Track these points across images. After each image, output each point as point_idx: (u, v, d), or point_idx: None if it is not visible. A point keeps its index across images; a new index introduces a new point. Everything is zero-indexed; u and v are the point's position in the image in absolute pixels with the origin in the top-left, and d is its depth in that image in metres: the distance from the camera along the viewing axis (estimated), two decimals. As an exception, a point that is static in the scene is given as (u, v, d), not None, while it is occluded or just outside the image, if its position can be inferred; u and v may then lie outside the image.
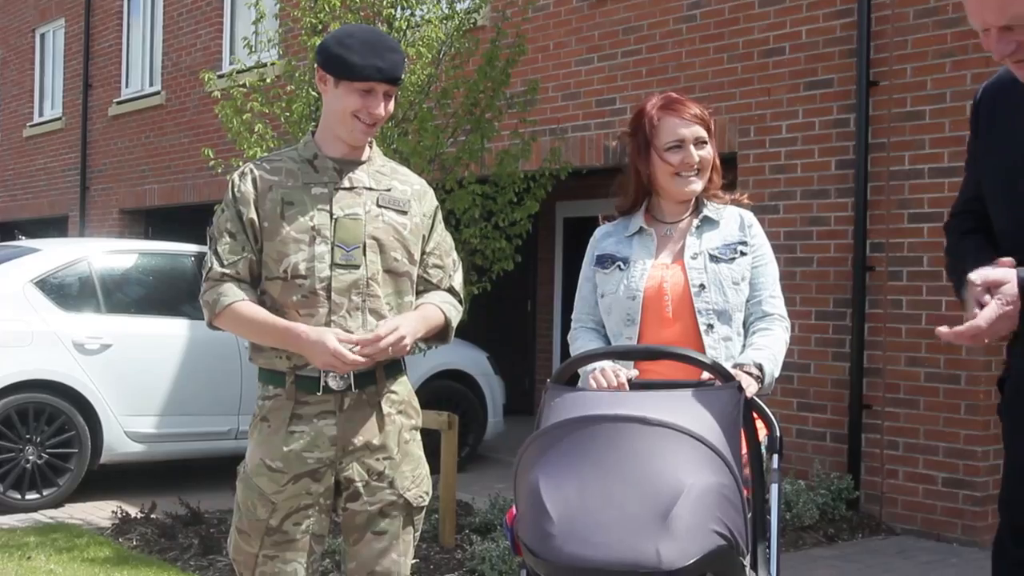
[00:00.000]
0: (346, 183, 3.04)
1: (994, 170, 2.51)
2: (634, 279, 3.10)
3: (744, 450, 2.66)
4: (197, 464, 8.26)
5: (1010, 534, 2.54)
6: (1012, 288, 2.25)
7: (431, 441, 6.29)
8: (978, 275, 2.29)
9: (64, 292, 7.73)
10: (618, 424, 2.40)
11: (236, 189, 3.04)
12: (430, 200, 3.21)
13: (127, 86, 15.44)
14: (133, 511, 6.59)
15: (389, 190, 3.09)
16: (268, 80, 7.15)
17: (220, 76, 7.91)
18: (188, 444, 7.88)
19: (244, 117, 6.84)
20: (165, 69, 14.48)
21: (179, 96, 14.04)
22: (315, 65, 3.08)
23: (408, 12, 6.72)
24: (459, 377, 8.89)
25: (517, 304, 11.94)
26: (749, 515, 2.59)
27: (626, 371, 2.91)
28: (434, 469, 6.03)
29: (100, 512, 7.04)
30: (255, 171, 3.05)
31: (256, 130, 6.83)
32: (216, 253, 3.01)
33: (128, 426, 7.55)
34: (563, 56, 9.10)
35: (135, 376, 7.59)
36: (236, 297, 2.97)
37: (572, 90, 9.00)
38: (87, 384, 7.42)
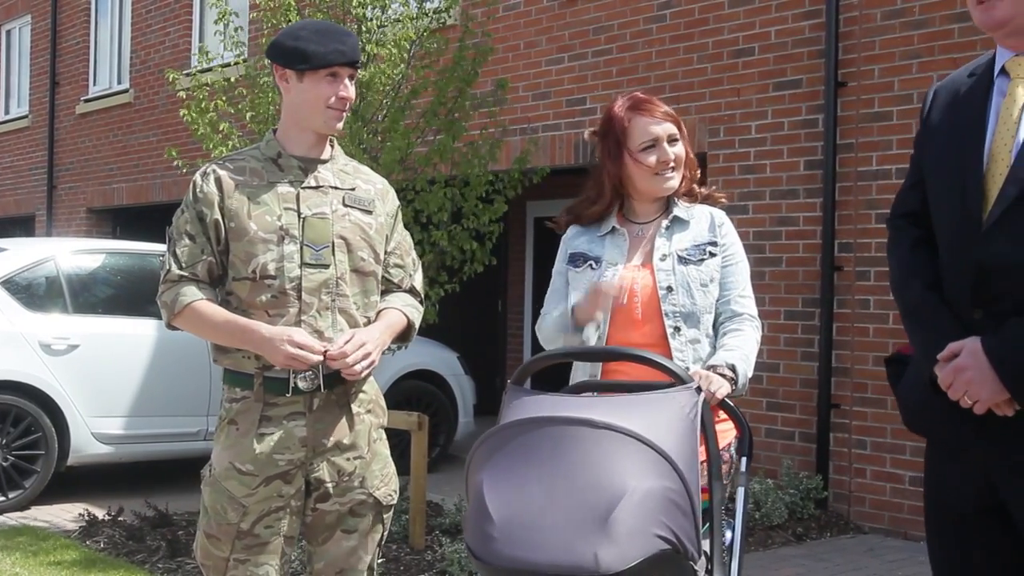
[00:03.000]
0: (312, 181, 3.04)
1: (944, 166, 2.55)
2: (604, 280, 3.08)
3: (703, 454, 2.65)
4: (165, 465, 8.21)
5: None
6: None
7: (401, 442, 6.30)
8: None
9: (30, 292, 7.66)
10: (564, 427, 2.38)
11: (198, 190, 3.01)
12: (392, 200, 3.22)
13: (95, 84, 15.32)
14: (100, 513, 6.53)
15: (354, 189, 3.09)
16: (232, 80, 7.12)
17: (187, 74, 7.85)
18: (156, 445, 7.82)
19: (208, 118, 6.80)
20: (133, 67, 14.38)
21: (147, 94, 13.95)
22: (274, 66, 3.08)
23: (378, 12, 6.70)
24: (429, 377, 8.87)
25: (488, 304, 11.93)
26: (708, 522, 2.59)
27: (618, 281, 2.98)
28: (404, 470, 6.05)
29: (67, 514, 6.98)
30: (218, 171, 3.02)
31: (221, 129, 6.79)
32: (175, 255, 2.99)
33: (95, 427, 7.49)
34: (534, 55, 9.11)
35: (103, 377, 7.53)
36: (195, 296, 2.96)
37: (543, 89, 9.01)
38: (54, 385, 7.35)
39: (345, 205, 3.05)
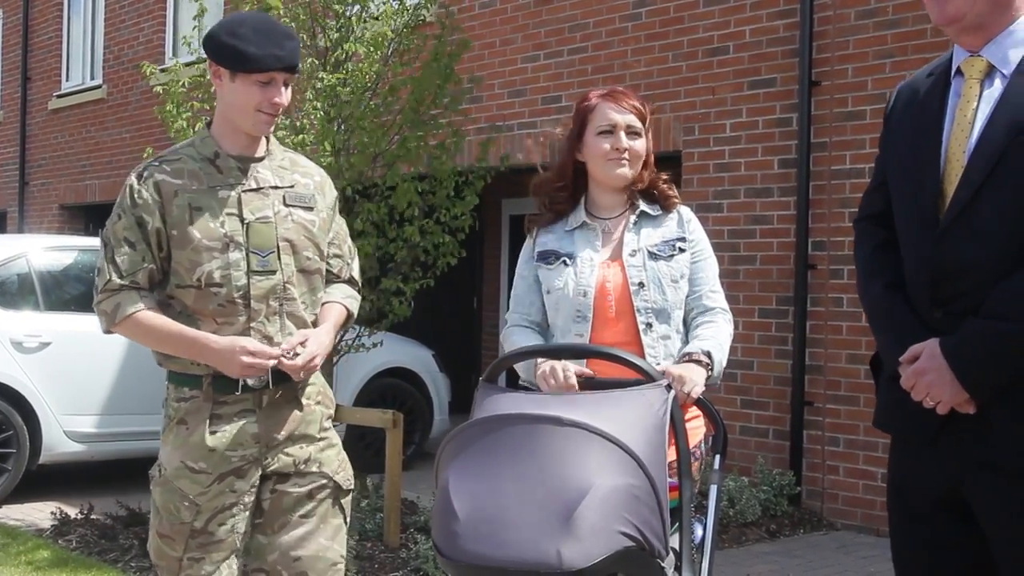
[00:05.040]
0: (252, 183, 2.98)
1: (904, 168, 2.59)
2: (584, 275, 3.05)
3: (674, 453, 2.63)
4: (138, 464, 8.14)
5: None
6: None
7: (376, 439, 6.29)
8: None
9: (2, 289, 7.60)
10: (530, 424, 2.38)
11: (136, 195, 2.92)
12: (330, 191, 3.19)
13: (67, 79, 15.20)
14: (73, 512, 6.49)
15: (293, 186, 3.05)
16: (207, 77, 7.06)
17: (163, 70, 7.80)
18: (129, 443, 7.76)
19: (185, 116, 6.74)
20: (106, 62, 14.28)
21: (120, 90, 13.86)
22: (208, 60, 2.98)
23: (358, 8, 6.67)
24: (404, 375, 8.85)
25: (463, 301, 11.93)
26: (678, 520, 2.58)
27: (577, 368, 2.87)
28: (379, 468, 6.03)
29: (39, 513, 6.93)
30: (156, 175, 2.93)
31: (197, 128, 6.73)
32: (114, 262, 2.90)
33: (68, 425, 7.44)
34: (509, 53, 9.10)
35: (75, 374, 7.47)
36: (137, 307, 2.90)
37: (518, 87, 9.01)
38: (25, 383, 7.29)
39: (286, 205, 3.00)
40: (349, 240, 3.25)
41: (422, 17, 6.95)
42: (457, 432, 2.48)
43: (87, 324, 7.68)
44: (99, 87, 14.28)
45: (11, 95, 16.24)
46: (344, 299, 3.18)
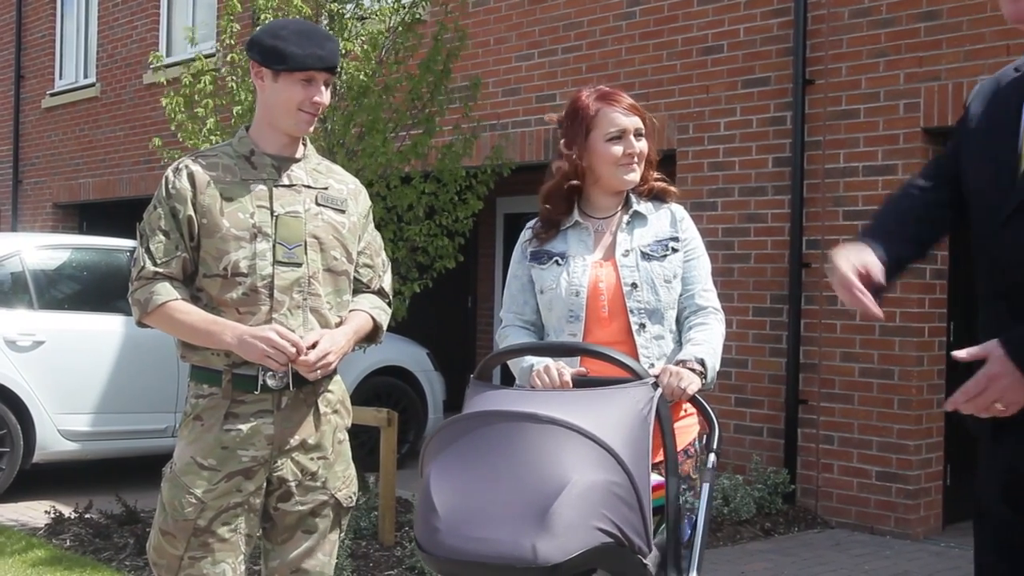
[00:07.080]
0: (285, 180, 3.02)
1: (981, 158, 2.54)
2: (576, 275, 3.05)
3: (660, 450, 2.64)
4: (132, 463, 8.15)
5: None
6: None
7: (370, 438, 6.29)
8: (964, 352, 2.29)
9: (-5, 288, 7.60)
10: (509, 421, 2.41)
11: (171, 185, 2.97)
12: (364, 200, 3.22)
13: (61, 77, 15.18)
14: (67, 511, 6.49)
15: (327, 188, 3.09)
16: (205, 69, 7.04)
17: (169, 66, 7.76)
18: (124, 442, 7.76)
19: (198, 110, 6.69)
20: (100, 61, 14.26)
21: (114, 88, 13.84)
22: (249, 61, 3.06)
23: (352, 6, 6.66)
24: (399, 373, 8.86)
25: (457, 300, 11.93)
26: (664, 518, 2.59)
27: (570, 369, 2.88)
28: (373, 466, 6.03)
29: (33, 512, 6.92)
30: (191, 166, 2.99)
31: (207, 126, 6.67)
32: (148, 251, 2.94)
33: (62, 424, 7.43)
34: (503, 51, 9.10)
35: (69, 373, 7.47)
36: (170, 296, 2.93)
37: (512, 86, 9.01)
38: (19, 382, 7.29)
39: (318, 204, 3.04)
40: (383, 254, 3.27)
41: (417, 15, 6.94)
42: (440, 428, 2.51)
43: (81, 323, 7.71)
44: (92, 85, 14.26)
45: (4, 93, 16.21)
46: (371, 309, 3.17)
